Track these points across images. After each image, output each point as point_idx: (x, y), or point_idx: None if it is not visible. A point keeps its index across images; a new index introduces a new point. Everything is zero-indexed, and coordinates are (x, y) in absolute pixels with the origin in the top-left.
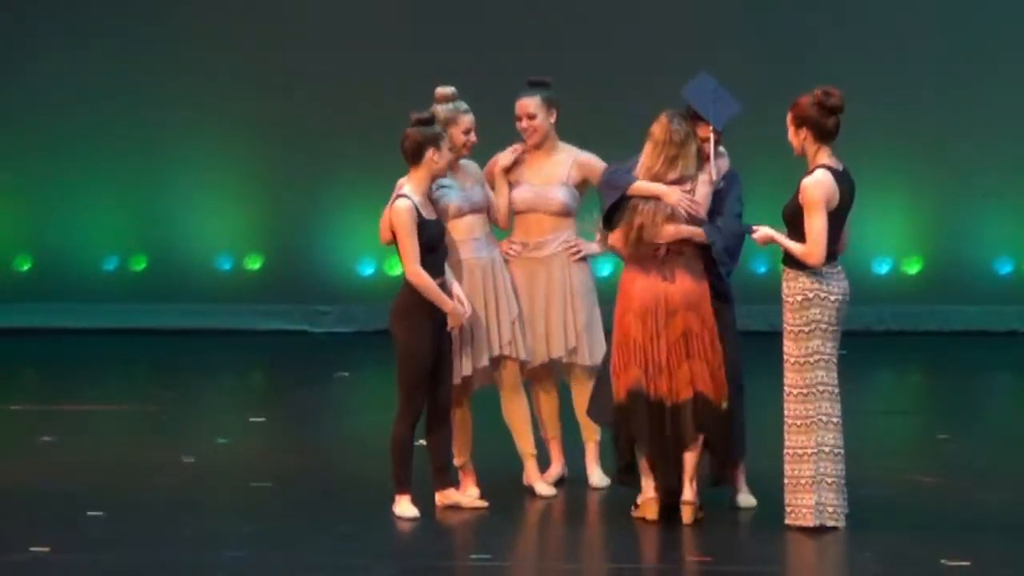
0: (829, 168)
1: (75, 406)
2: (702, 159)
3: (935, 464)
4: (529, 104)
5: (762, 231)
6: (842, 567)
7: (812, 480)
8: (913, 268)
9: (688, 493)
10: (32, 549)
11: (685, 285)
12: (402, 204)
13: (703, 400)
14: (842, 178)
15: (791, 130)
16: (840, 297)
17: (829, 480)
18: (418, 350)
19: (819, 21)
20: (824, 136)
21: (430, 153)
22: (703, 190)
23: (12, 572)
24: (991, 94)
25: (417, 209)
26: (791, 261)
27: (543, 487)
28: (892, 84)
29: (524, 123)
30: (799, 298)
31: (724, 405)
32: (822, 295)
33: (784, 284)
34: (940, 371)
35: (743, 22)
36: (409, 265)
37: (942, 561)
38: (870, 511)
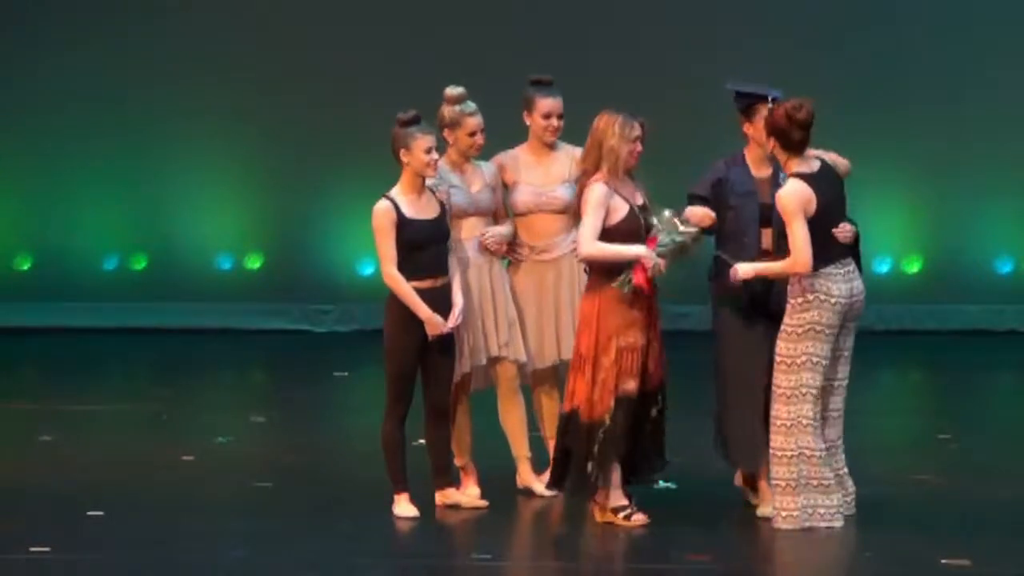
0: (801, 175)
1: (75, 406)
2: (615, 159)
3: (935, 464)
4: (560, 104)
5: (741, 272)
6: (842, 567)
7: (796, 483)
8: (913, 267)
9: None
10: (32, 549)
11: (580, 304)
12: (379, 206)
13: (574, 416)
14: (817, 179)
15: (764, 135)
16: (843, 299)
17: (814, 483)
18: (403, 348)
19: (819, 22)
20: (790, 147)
21: (401, 154)
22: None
23: (12, 572)
24: (991, 94)
25: (398, 209)
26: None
27: (540, 487)
28: (892, 84)
29: (555, 122)
30: (799, 300)
31: (606, 419)
32: (822, 297)
33: (788, 286)
34: (940, 371)
35: (741, 23)
36: (383, 266)
37: (942, 561)
38: (870, 511)
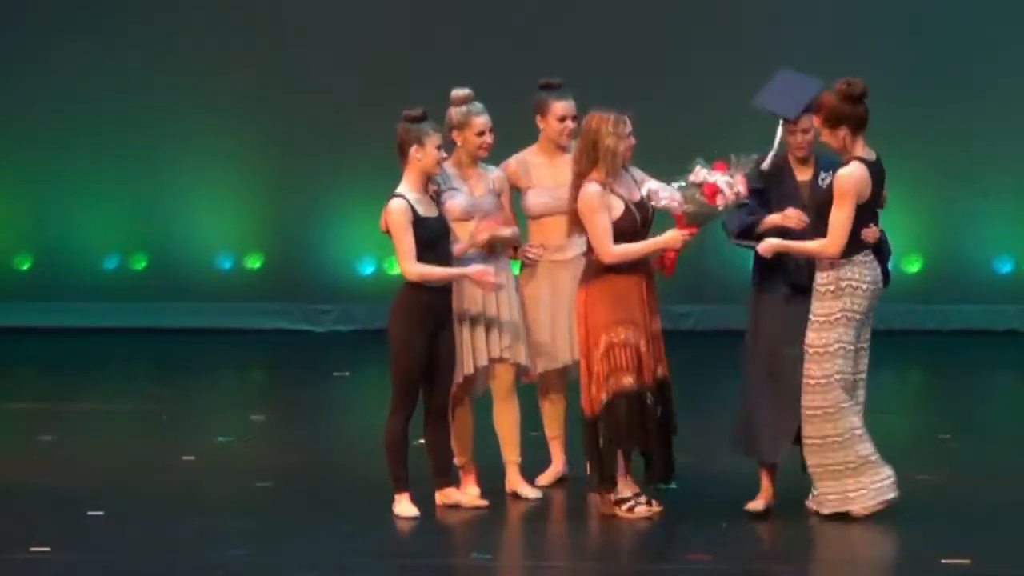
0: (863, 160)
1: (75, 406)
2: (603, 157)
3: (935, 463)
4: (573, 106)
5: (767, 243)
6: (842, 566)
7: (838, 468)
8: (913, 267)
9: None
10: (32, 549)
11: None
12: (395, 204)
13: (583, 415)
14: (874, 168)
15: (825, 132)
16: (873, 286)
17: (852, 465)
18: (411, 348)
19: (818, 23)
20: (860, 125)
21: (413, 151)
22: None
23: (12, 572)
24: (991, 93)
25: (413, 207)
26: None
27: (527, 490)
28: (892, 83)
29: (571, 124)
30: (831, 287)
31: (603, 414)
32: (854, 284)
33: (817, 273)
34: (940, 370)
35: (741, 23)
36: (405, 264)
37: (942, 560)
38: None
